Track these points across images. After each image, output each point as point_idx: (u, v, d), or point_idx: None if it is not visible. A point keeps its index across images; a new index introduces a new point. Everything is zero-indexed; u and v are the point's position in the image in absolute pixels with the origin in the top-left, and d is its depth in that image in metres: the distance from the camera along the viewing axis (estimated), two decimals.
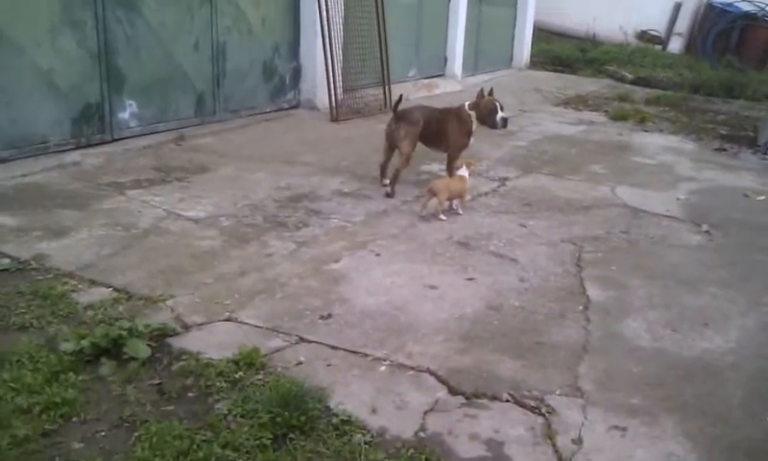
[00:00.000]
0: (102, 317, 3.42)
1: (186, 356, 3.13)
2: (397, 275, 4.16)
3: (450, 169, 5.66)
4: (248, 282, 3.93)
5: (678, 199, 6.03)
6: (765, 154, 8.23)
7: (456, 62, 11.59)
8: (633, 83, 13.07)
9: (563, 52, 15.03)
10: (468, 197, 5.46)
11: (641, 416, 2.90)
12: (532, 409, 2.90)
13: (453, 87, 11.12)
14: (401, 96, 5.95)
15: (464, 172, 5.35)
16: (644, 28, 16.06)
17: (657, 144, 8.29)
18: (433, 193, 5.13)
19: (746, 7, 14.51)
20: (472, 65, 12.33)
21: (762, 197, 6.23)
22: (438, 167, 6.27)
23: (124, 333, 3.15)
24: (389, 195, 5.61)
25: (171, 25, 6.74)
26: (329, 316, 3.61)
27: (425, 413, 2.85)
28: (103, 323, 3.33)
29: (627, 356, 3.37)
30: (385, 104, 8.92)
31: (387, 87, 8.97)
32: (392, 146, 5.76)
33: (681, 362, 3.36)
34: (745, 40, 14.47)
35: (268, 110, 8.07)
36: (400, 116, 5.67)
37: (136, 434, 2.62)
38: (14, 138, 5.56)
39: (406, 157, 5.65)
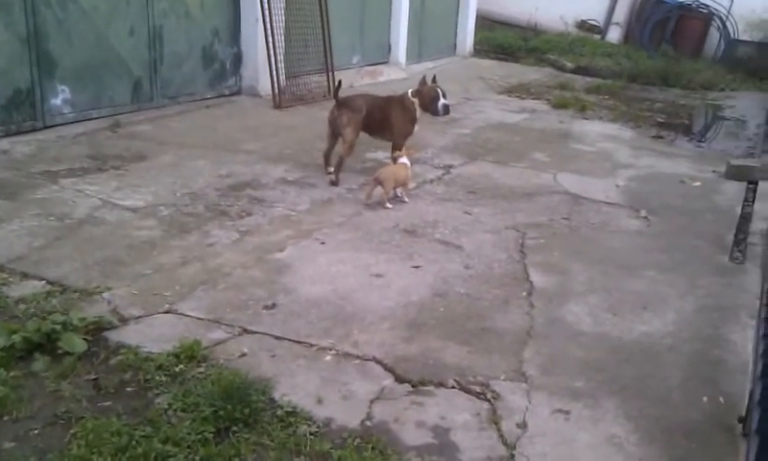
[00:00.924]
0: (34, 311, 3.29)
1: (124, 350, 3.04)
2: (343, 263, 4.12)
3: (395, 157, 5.65)
4: (189, 273, 3.84)
5: (617, 185, 6.16)
6: (700, 141, 8.50)
7: (400, 50, 11.57)
8: (573, 71, 13.30)
9: (505, 41, 15.16)
10: (412, 184, 5.46)
11: (584, 399, 2.95)
12: (477, 395, 2.92)
13: (397, 75, 11.09)
14: (340, 82, 5.91)
15: (405, 160, 5.35)
16: (584, 18, 16.35)
17: (596, 132, 8.46)
18: (379, 182, 5.11)
19: None
20: (416, 53, 12.33)
21: (698, 183, 6.42)
22: (383, 155, 6.24)
23: (58, 327, 3.04)
24: (333, 183, 5.55)
25: (105, 9, 6.49)
26: (273, 306, 3.55)
27: (372, 402, 2.83)
28: (35, 317, 3.21)
29: (569, 341, 3.42)
30: (329, 91, 8.82)
31: (330, 74, 8.87)
32: (335, 133, 5.71)
33: (621, 345, 3.43)
34: (680, 31, 14.88)
35: (208, 97, 7.88)
36: (342, 103, 5.61)
37: (72, 431, 2.53)
38: None
39: (350, 145, 5.61)
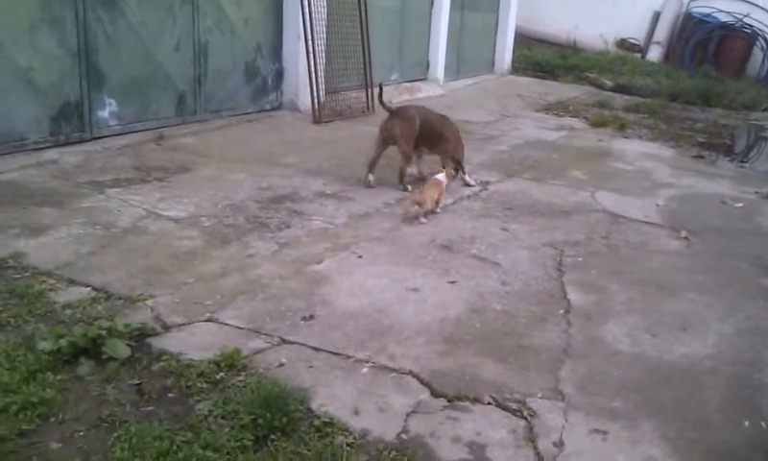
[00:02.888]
0: (80, 316, 3.38)
1: (166, 357, 3.10)
2: (380, 277, 4.16)
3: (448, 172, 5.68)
4: (229, 283, 3.90)
5: (657, 205, 6.09)
6: (742, 162, 8.36)
7: (438, 67, 11.64)
8: (612, 90, 13.20)
9: (544, 58, 15.15)
10: (446, 200, 5.50)
11: (622, 420, 2.92)
12: (514, 412, 2.91)
13: (435, 91, 11.16)
14: (381, 86, 6.09)
15: (441, 176, 5.44)
16: (624, 36, 16.24)
17: (636, 150, 8.38)
18: (417, 202, 5.15)
19: (724, 18, 14.72)
20: (454, 70, 12.39)
21: (740, 204, 6.32)
22: (423, 169, 6.30)
23: (103, 333, 3.11)
24: (370, 186, 5.70)
25: (152, 25, 6.68)
26: (311, 317, 3.60)
27: (408, 415, 2.84)
28: (81, 322, 3.29)
29: (607, 360, 3.39)
30: (367, 106, 8.93)
31: (369, 90, 8.97)
32: (386, 142, 5.81)
33: (660, 366, 3.39)
34: (723, 50, 14.68)
35: (250, 111, 8.03)
36: (395, 113, 5.73)
37: (115, 435, 2.58)
38: None
39: (407, 156, 5.76)
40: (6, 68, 5.49)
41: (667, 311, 4.00)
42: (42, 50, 5.74)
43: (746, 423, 2.97)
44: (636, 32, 16.15)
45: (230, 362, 3.06)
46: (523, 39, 15.64)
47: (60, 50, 5.87)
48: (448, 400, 2.95)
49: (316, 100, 8.08)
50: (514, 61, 14.52)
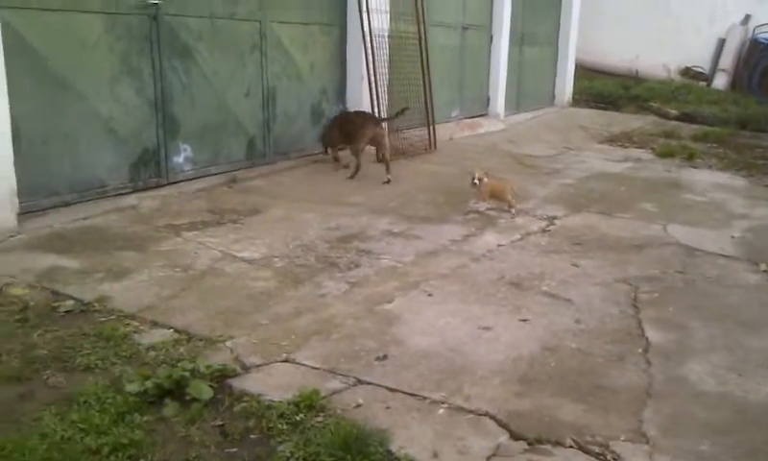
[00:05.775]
0: (164, 358, 3.49)
1: (247, 398, 3.16)
2: (451, 315, 4.16)
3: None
4: (303, 323, 3.97)
5: (732, 237, 5.92)
6: None
7: (498, 102, 11.66)
8: (677, 119, 12.93)
9: (605, 89, 14.98)
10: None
11: None
12: (597, 456, 2.85)
13: (496, 127, 11.17)
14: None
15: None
16: (688, 64, 15.95)
17: (706, 181, 8.17)
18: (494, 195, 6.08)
19: None
20: (515, 104, 12.39)
21: None
22: (485, 205, 6.30)
23: (186, 374, 3.20)
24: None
25: (224, 73, 6.95)
26: (385, 357, 3.62)
27: (488, 458, 2.81)
28: (165, 364, 3.40)
29: (692, 401, 3.29)
30: (430, 144, 9.00)
31: (431, 128, 9.05)
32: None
33: (747, 407, 3.27)
34: None
35: (316, 152, 8.21)
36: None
37: None
38: (76, 183, 5.77)
39: None
40: (89, 119, 5.79)
41: (752, 348, 3.86)
42: (122, 100, 6.03)
43: None
44: (700, 60, 15.84)
45: (309, 403, 3.10)
46: (583, 71, 15.53)
47: (138, 99, 6.17)
48: (529, 444, 2.91)
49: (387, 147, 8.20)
50: (574, 93, 14.42)
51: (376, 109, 8.13)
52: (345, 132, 7.60)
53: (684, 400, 3.30)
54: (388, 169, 7.42)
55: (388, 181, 7.27)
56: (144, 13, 6.09)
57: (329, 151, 7.97)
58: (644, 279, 4.84)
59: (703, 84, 15.60)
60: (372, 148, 7.73)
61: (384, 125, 7.63)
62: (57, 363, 3.39)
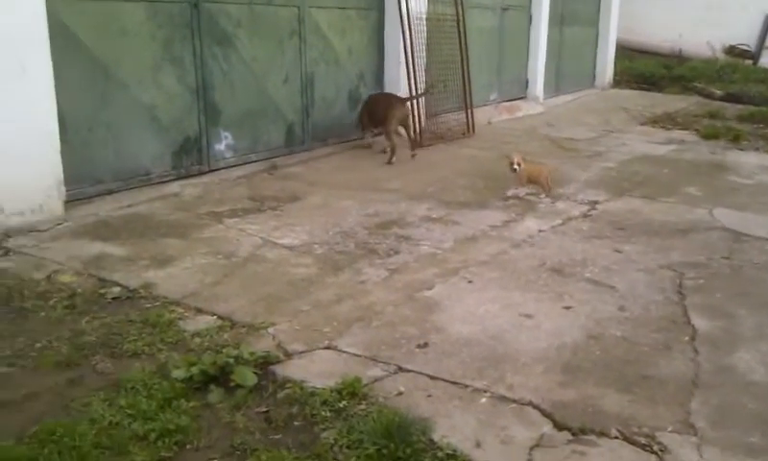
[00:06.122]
0: (209, 344, 3.53)
1: (291, 384, 3.19)
2: (491, 302, 4.13)
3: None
4: (344, 310, 3.99)
5: None
6: None
7: (537, 84, 11.51)
8: (722, 99, 12.58)
9: (647, 69, 14.66)
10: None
11: (762, 456, 2.76)
12: (643, 447, 2.81)
13: (535, 109, 11.03)
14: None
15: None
16: (733, 42, 15.49)
17: (753, 163, 7.95)
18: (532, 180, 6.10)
19: None
20: (554, 86, 12.21)
21: None
22: (524, 191, 6.24)
23: (231, 361, 3.23)
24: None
25: (263, 59, 6.99)
26: (426, 345, 3.61)
27: (531, 449, 2.79)
28: (210, 350, 3.44)
29: (741, 391, 3.22)
30: (468, 128, 8.93)
31: (469, 112, 8.98)
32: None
33: None
34: None
35: (353, 138, 8.21)
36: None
37: None
38: (120, 171, 5.87)
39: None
40: (131, 107, 5.89)
41: None
42: (164, 88, 6.12)
43: None
44: (745, 38, 15.37)
45: (351, 390, 3.11)
46: (624, 51, 15.21)
47: (179, 87, 6.24)
48: (573, 434, 2.88)
49: (417, 124, 8.17)
50: (615, 74, 14.14)
51: (414, 93, 8.08)
52: (373, 114, 7.64)
53: (733, 391, 3.23)
54: (412, 146, 7.65)
55: (413, 157, 7.63)
56: (185, 1, 6.14)
57: (365, 133, 8.06)
58: (689, 265, 4.74)
59: (749, 62, 15.14)
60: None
61: (407, 105, 7.67)
62: (104, 349, 3.47)
